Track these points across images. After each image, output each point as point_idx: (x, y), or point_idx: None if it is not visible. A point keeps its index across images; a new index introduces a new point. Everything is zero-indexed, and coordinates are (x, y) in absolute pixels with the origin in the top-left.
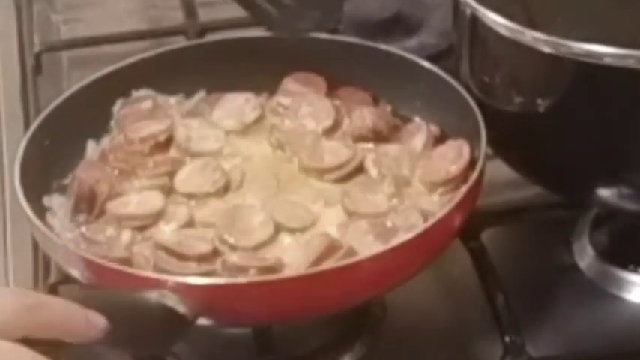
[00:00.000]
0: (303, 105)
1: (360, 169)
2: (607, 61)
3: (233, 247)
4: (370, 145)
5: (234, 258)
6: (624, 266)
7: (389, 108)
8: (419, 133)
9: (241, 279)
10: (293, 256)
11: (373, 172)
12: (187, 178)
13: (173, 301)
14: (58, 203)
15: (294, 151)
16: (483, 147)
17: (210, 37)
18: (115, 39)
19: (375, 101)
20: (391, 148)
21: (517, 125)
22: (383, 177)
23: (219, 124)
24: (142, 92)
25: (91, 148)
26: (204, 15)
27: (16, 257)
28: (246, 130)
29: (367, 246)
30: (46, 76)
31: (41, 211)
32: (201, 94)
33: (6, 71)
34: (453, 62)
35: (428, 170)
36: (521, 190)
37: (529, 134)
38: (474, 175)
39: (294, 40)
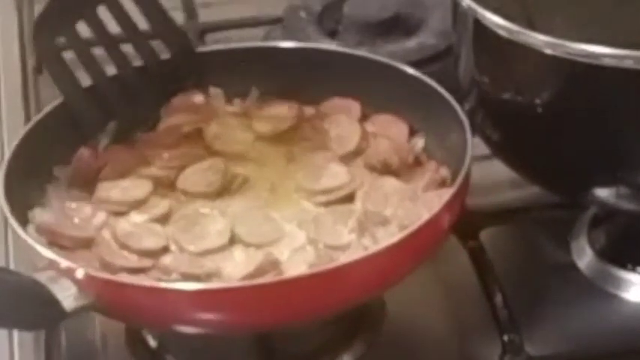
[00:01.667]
0: (334, 127)
1: (350, 198)
2: (606, 61)
3: (182, 249)
4: (374, 176)
5: (167, 260)
6: (622, 265)
7: (421, 143)
8: (426, 174)
9: (132, 280)
10: (233, 269)
11: (358, 203)
12: (190, 175)
13: (61, 288)
14: (65, 174)
15: (300, 168)
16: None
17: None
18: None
19: (412, 133)
20: (388, 183)
21: (516, 125)
22: (351, 211)
23: (255, 127)
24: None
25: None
26: (204, 15)
27: (16, 255)
28: (278, 137)
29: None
30: (46, 76)
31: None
32: (254, 95)
33: (7, 71)
34: (451, 62)
35: (407, 213)
36: (520, 190)
37: (528, 134)
38: (460, 178)
39: (361, 60)
